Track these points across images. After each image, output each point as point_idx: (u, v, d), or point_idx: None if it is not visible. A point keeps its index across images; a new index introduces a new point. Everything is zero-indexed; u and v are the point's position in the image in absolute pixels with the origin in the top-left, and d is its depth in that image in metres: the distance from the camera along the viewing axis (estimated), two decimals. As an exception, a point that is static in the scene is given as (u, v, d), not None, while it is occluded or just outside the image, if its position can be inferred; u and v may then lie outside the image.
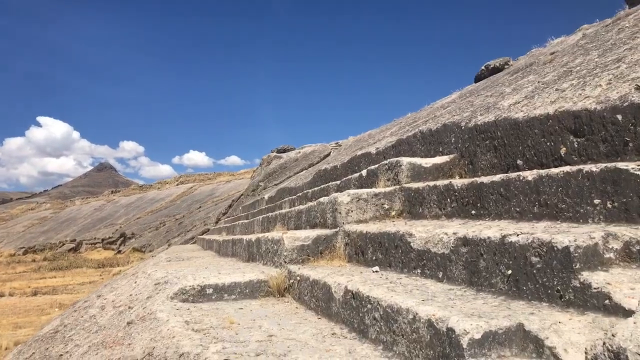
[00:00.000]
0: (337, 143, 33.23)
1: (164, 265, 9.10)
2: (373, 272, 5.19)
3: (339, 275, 5.01)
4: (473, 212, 5.20)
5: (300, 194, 11.56)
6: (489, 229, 3.99)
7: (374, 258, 5.55)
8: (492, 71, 16.05)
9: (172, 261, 10.55)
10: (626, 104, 4.48)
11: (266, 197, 20.22)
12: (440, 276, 4.36)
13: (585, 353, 1.73)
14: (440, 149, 7.46)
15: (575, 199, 3.98)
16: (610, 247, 3.17)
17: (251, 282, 5.36)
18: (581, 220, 3.90)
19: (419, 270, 4.71)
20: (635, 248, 3.14)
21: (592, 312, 2.79)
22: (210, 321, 3.86)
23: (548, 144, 5.30)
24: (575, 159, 4.96)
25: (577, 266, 3.02)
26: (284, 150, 41.52)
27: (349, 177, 8.81)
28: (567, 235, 3.23)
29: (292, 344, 3.28)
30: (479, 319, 2.52)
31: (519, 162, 5.70)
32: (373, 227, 5.77)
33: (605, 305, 2.73)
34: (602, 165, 3.82)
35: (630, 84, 4.78)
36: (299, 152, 38.22)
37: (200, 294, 5.06)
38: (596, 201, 3.82)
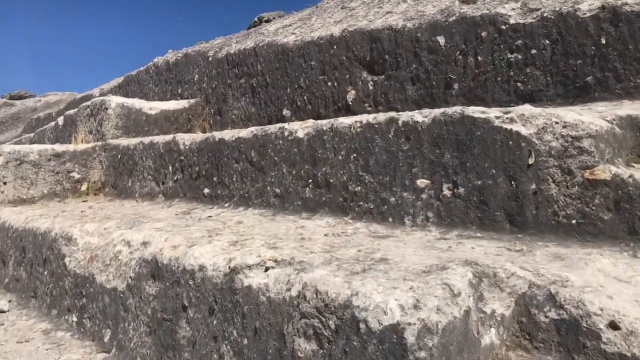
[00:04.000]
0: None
1: None
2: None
3: None
4: (206, 190, 2.93)
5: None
6: (209, 242, 1.73)
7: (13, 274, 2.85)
8: (267, 23, 14.33)
9: None
10: (452, 18, 2.71)
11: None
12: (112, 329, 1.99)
13: None
14: (180, 90, 5.00)
15: (382, 177, 2.01)
16: (493, 311, 1.25)
17: None
18: (396, 220, 1.94)
19: (74, 318, 2.27)
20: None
21: None
22: None
23: (329, 84, 3.33)
24: (370, 108, 3.09)
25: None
26: (19, 97, 33.60)
27: (44, 127, 5.70)
28: (374, 283, 1.17)
29: None
30: None
31: (286, 112, 3.63)
32: (20, 218, 3.02)
33: None
34: (440, 111, 1.89)
35: (450, -4, 3.07)
36: (40, 100, 31.18)
37: None
38: (419, 183, 1.90)
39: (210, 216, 2.51)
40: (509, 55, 2.47)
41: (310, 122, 2.47)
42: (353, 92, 3.17)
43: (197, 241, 1.76)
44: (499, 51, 2.51)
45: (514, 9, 2.52)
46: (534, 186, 1.63)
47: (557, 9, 2.33)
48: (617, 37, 2.13)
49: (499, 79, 2.51)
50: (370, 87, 3.08)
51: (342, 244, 1.63)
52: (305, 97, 3.49)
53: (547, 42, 2.34)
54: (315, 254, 1.47)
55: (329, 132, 2.27)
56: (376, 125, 2.08)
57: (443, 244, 1.60)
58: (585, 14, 2.23)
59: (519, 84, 2.44)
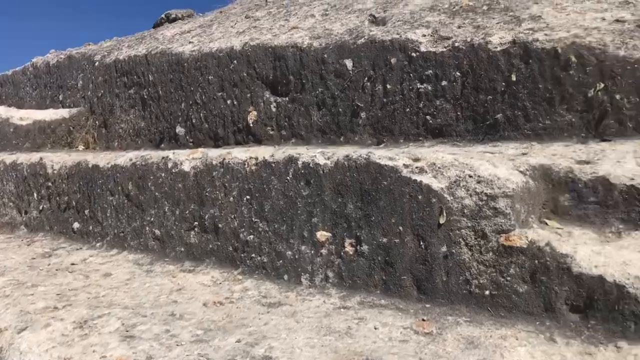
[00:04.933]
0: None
1: None
2: None
3: None
4: (76, 225, 2.48)
5: None
6: (47, 325, 1.34)
7: None
8: (173, 21, 13.60)
9: None
10: (361, 40, 2.51)
11: None
12: None
13: None
14: (62, 97, 4.39)
15: (278, 226, 1.74)
16: None
17: None
18: (292, 279, 1.68)
19: None
20: None
21: None
22: None
23: (229, 102, 3.00)
24: (272, 132, 2.80)
25: None
26: None
27: None
28: None
29: None
30: None
31: (180, 129, 3.24)
32: None
33: None
34: (344, 154, 1.65)
35: (358, 15, 2.87)
36: None
37: None
38: (320, 236, 1.65)
39: (74, 263, 2.08)
40: (419, 86, 2.30)
41: (200, 152, 2.13)
42: (254, 113, 2.86)
43: (35, 320, 1.36)
44: (409, 80, 2.33)
45: (425, 36, 2.36)
46: (444, 249, 1.43)
47: (469, 39, 2.20)
48: (528, 74, 2.02)
49: (408, 110, 2.33)
50: (274, 109, 2.79)
51: (221, 325, 1.32)
52: (201, 115, 3.13)
53: (458, 74, 2.20)
54: (180, 347, 1.15)
55: (220, 167, 1.95)
56: (273, 164, 1.80)
57: (342, 322, 1.35)
58: (496, 47, 2.11)
59: (428, 117, 2.27)
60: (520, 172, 1.57)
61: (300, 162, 1.73)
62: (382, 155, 1.59)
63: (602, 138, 1.87)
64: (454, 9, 2.55)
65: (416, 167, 1.52)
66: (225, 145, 2.99)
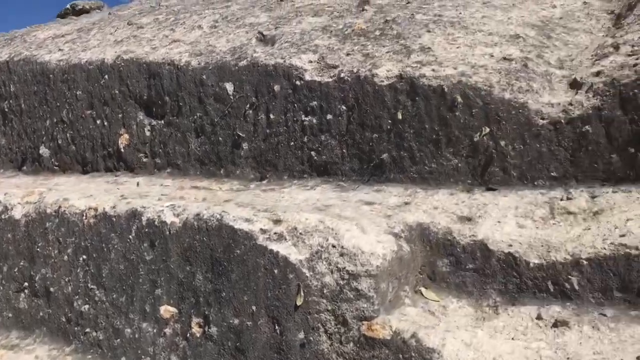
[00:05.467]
0: None
1: None
2: None
3: None
4: None
5: None
6: None
7: None
8: (80, 13, 12.69)
9: None
10: (243, 63, 2.25)
11: None
12: None
13: None
14: None
15: (117, 296, 1.45)
16: None
17: None
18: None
19: None
20: None
21: None
22: None
23: (99, 122, 2.63)
24: (146, 159, 2.47)
25: None
26: None
27: None
28: None
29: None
30: None
31: (44, 150, 2.82)
32: None
33: None
34: (195, 212, 1.38)
35: (248, 30, 2.61)
36: None
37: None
38: (164, 311, 1.39)
39: None
40: (304, 118, 2.08)
41: (36, 194, 1.78)
42: (126, 136, 2.52)
43: None
44: (293, 111, 2.11)
45: (312, 62, 2.14)
46: (302, 335, 1.21)
47: (355, 70, 2.01)
48: (414, 113, 1.87)
49: (293, 144, 2.11)
50: (148, 133, 2.47)
51: None
52: (68, 135, 2.73)
53: (344, 107, 2.01)
54: None
55: (55, 217, 1.62)
56: (114, 219, 1.50)
57: None
58: (382, 81, 1.94)
59: (313, 153, 2.07)
60: (395, 234, 1.39)
61: (144, 219, 1.45)
62: (237, 216, 1.35)
63: (487, 187, 1.75)
64: (346, 32, 2.36)
65: (274, 233, 1.29)
66: (94, 171, 2.62)
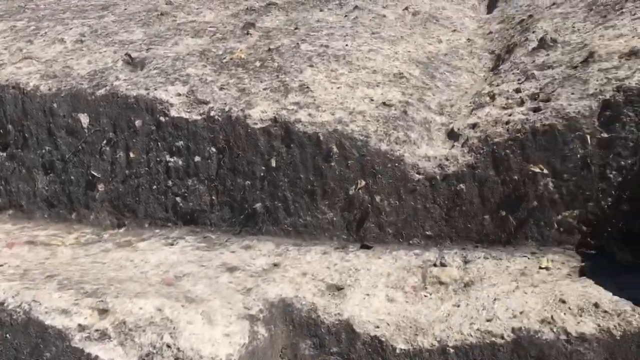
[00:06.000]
0: None
1: None
2: None
3: None
4: None
5: None
6: None
7: None
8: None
9: None
10: (101, 92, 1.96)
11: None
12: None
13: None
14: None
15: None
16: None
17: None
18: None
19: None
20: None
21: None
22: None
23: None
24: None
25: None
26: None
27: None
28: None
29: None
30: None
31: None
32: None
33: None
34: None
35: (117, 49, 2.32)
36: None
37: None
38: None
39: None
40: (169, 159, 1.85)
41: None
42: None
43: None
44: (157, 150, 1.86)
45: (180, 95, 1.91)
46: None
47: (227, 109, 1.81)
48: (289, 161, 1.71)
49: (155, 187, 1.86)
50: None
51: None
52: None
53: (214, 150, 1.80)
54: None
55: None
56: None
57: None
58: (256, 123, 1.76)
59: (178, 199, 1.84)
60: (251, 317, 1.21)
61: None
62: (52, 307, 1.09)
63: (363, 243, 1.63)
64: (225, 60, 2.15)
65: (96, 330, 1.05)
66: None
